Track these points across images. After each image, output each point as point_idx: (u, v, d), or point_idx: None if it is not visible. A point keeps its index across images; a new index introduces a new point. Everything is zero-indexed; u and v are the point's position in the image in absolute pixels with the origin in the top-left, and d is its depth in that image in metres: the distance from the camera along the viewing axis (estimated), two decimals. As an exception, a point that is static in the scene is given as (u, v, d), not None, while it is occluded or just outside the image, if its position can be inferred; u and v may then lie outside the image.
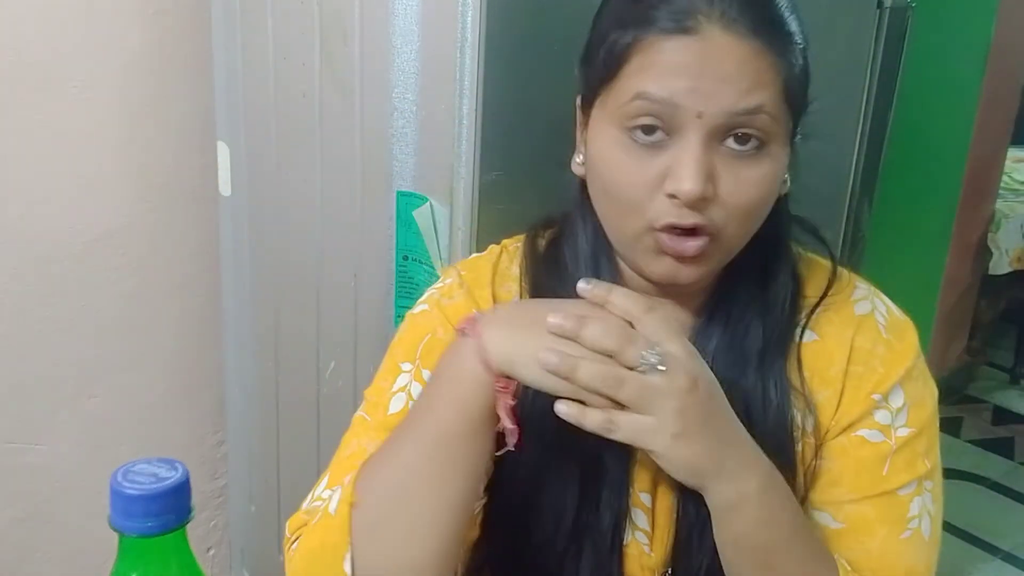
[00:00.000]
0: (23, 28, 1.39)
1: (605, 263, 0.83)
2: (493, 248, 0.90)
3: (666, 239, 0.73)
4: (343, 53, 1.14)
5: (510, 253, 0.89)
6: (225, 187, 1.48)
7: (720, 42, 0.70)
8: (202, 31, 1.48)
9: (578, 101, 0.80)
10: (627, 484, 0.82)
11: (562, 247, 0.85)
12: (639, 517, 0.83)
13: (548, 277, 0.85)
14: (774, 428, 0.79)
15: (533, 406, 0.80)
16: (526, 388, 0.81)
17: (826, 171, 1.52)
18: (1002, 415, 3.31)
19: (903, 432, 0.81)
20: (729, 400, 0.75)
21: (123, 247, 1.55)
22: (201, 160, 1.56)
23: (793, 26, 0.74)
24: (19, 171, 1.44)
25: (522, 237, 0.90)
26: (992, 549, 2.45)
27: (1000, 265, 2.98)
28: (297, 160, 1.28)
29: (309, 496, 0.83)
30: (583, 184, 0.81)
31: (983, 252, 2.93)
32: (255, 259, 1.45)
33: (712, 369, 0.75)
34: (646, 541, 0.83)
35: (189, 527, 0.60)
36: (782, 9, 0.74)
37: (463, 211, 1.05)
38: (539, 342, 0.67)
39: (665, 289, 0.81)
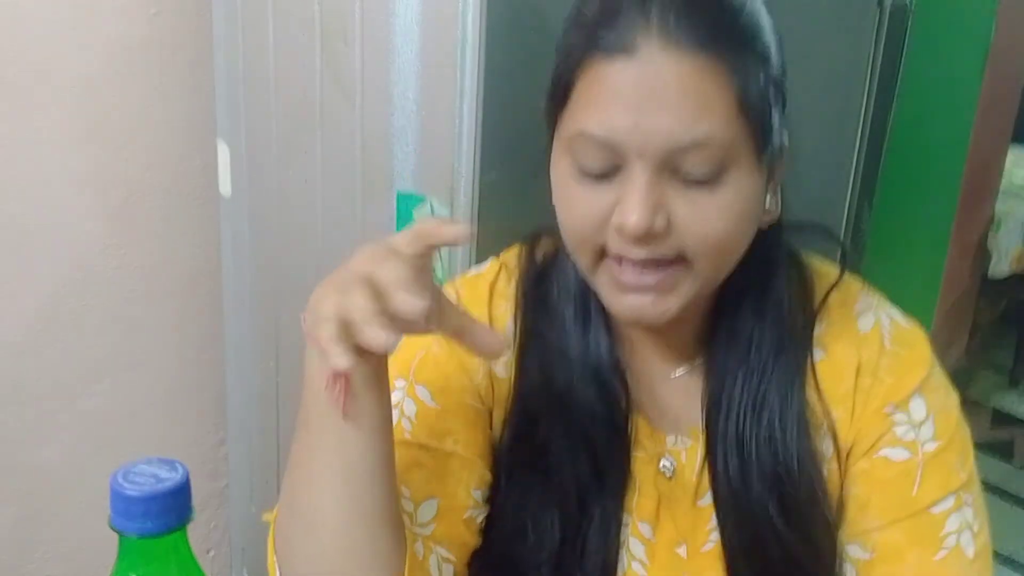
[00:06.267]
0: (23, 27, 1.39)
1: (595, 301, 0.80)
2: (493, 264, 0.88)
3: (620, 272, 0.70)
4: (343, 53, 1.14)
5: (508, 271, 0.86)
6: (225, 187, 1.48)
7: (660, 62, 0.65)
8: (203, 31, 1.48)
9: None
10: (618, 522, 0.81)
11: (554, 282, 0.83)
12: (636, 547, 0.82)
13: (537, 318, 0.83)
14: (800, 454, 0.76)
15: (519, 445, 0.80)
16: (514, 421, 0.81)
17: (826, 171, 1.52)
18: (1001, 418, 3.30)
19: (931, 446, 0.76)
20: (755, 428, 0.75)
21: (123, 247, 1.55)
22: (201, 160, 1.56)
23: (751, 28, 0.69)
24: (18, 170, 1.43)
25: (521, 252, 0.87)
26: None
27: (1000, 267, 2.98)
28: (297, 160, 1.28)
29: None
30: None
31: (983, 253, 2.92)
32: (255, 259, 1.45)
33: (734, 397, 0.76)
34: (644, 572, 0.82)
35: (189, 528, 0.60)
36: (735, 12, 0.68)
37: (463, 211, 1.05)
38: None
39: (648, 328, 0.79)
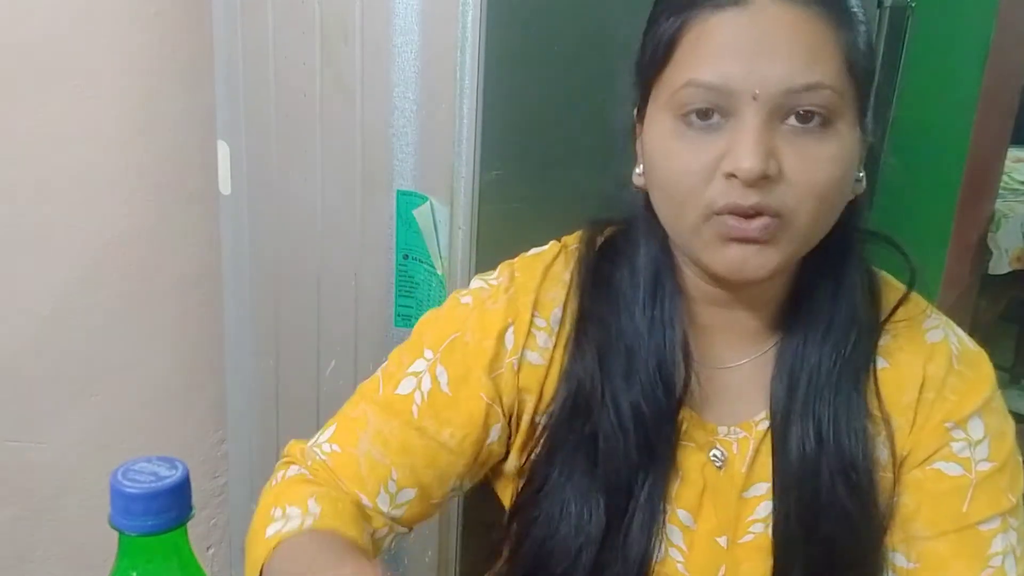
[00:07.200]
0: (24, 27, 1.39)
1: (668, 283, 0.80)
2: (554, 245, 0.87)
3: (729, 220, 0.70)
4: (343, 53, 1.14)
5: (568, 254, 0.85)
6: (225, 186, 1.48)
7: (772, 11, 0.67)
8: (202, 30, 1.48)
9: (635, 113, 0.79)
10: (661, 510, 0.80)
11: (620, 265, 0.82)
12: (674, 534, 0.82)
13: (596, 299, 0.82)
14: (853, 460, 0.77)
15: (566, 428, 0.80)
16: (563, 403, 0.81)
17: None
18: (1002, 415, 3.30)
19: (984, 466, 0.77)
20: (830, 408, 0.75)
21: (123, 246, 1.55)
22: (201, 159, 1.56)
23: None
24: (19, 171, 1.44)
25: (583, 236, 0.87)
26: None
27: (1000, 265, 2.98)
28: (297, 159, 1.28)
29: (313, 439, 0.86)
30: (647, 199, 0.78)
31: (983, 252, 2.92)
32: (255, 258, 1.45)
33: (812, 375, 0.76)
34: (681, 559, 0.82)
35: (189, 525, 0.60)
36: None
37: (463, 210, 1.05)
38: None
39: (735, 295, 0.79)
